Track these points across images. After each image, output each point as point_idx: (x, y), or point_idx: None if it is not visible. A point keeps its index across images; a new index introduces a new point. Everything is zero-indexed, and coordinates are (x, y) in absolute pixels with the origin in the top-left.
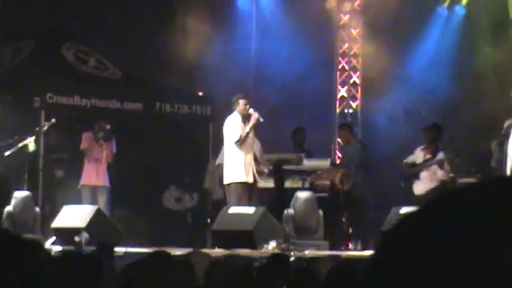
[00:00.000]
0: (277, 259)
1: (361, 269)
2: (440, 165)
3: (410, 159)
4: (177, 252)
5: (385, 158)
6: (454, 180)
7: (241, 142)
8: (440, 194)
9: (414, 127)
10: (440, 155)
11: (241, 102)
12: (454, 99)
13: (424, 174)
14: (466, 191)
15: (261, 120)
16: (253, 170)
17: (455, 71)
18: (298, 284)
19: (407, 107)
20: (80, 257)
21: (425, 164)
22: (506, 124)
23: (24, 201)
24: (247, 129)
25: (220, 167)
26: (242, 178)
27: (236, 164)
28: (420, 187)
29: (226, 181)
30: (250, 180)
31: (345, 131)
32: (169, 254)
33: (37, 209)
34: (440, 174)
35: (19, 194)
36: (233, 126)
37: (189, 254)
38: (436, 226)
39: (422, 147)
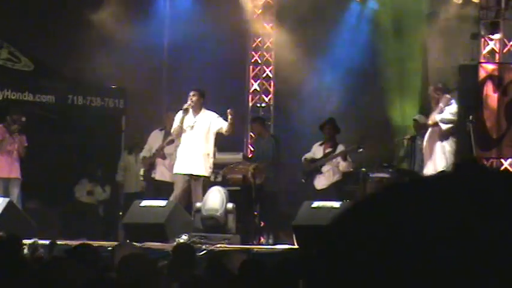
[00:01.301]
0: (182, 250)
1: (272, 263)
2: (343, 157)
3: (309, 155)
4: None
5: (297, 153)
6: (355, 172)
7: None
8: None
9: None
10: (341, 147)
11: None
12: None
13: (326, 168)
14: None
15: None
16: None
17: (367, 66)
18: (209, 277)
19: (318, 103)
20: None
21: (327, 158)
22: (416, 119)
23: None
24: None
25: (146, 160)
26: None
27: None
28: (323, 182)
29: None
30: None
31: (257, 124)
32: (94, 246)
33: None
34: (343, 165)
35: None
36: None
37: (116, 246)
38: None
39: (320, 142)
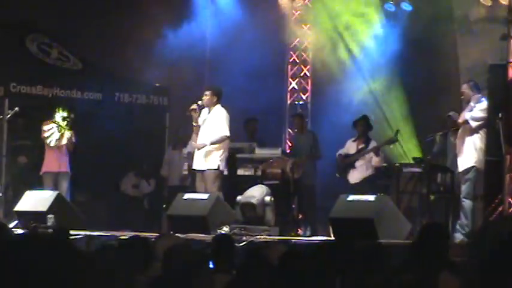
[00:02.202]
0: (222, 240)
1: (309, 254)
2: (376, 152)
3: (343, 151)
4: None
5: (332, 149)
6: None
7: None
8: None
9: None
10: (374, 143)
11: None
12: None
13: (359, 163)
14: None
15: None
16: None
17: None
18: (249, 267)
19: (354, 102)
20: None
21: (360, 153)
22: (450, 115)
23: None
24: None
25: (190, 155)
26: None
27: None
28: (356, 176)
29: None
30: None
31: (298, 120)
32: (144, 237)
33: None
34: (375, 160)
35: None
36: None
37: (160, 237)
38: None
39: (353, 139)
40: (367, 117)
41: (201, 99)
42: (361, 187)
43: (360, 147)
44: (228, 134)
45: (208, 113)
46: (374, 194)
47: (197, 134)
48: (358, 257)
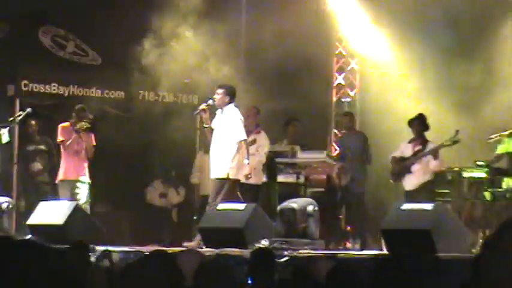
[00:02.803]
0: (262, 255)
1: (360, 270)
2: (434, 155)
3: (397, 154)
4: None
5: (384, 152)
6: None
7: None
8: None
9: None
10: (432, 145)
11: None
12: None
13: (416, 167)
14: None
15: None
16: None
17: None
18: (292, 286)
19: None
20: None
21: (417, 156)
22: None
23: None
24: None
25: None
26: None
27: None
28: (412, 181)
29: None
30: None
31: (348, 119)
32: (168, 253)
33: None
34: (434, 164)
35: None
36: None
37: (181, 253)
38: None
39: (408, 140)
40: (423, 115)
41: (212, 98)
42: (418, 194)
43: (417, 149)
44: (243, 138)
45: (221, 113)
46: (431, 201)
47: (210, 136)
48: (414, 273)
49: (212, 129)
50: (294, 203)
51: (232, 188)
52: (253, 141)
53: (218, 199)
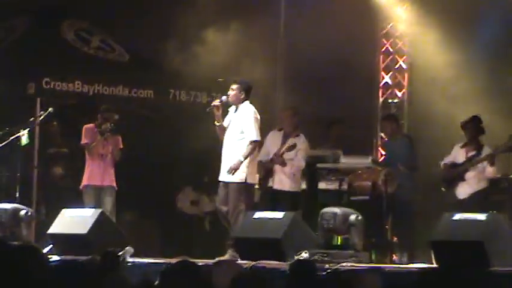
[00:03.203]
0: (301, 268)
1: (408, 285)
2: (491, 161)
3: (449, 159)
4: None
5: (434, 157)
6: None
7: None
8: None
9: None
10: (487, 150)
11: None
12: None
13: (470, 175)
14: None
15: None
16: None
17: None
18: None
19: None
20: (81, 266)
21: (471, 162)
22: None
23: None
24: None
25: (261, 164)
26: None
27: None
28: (466, 190)
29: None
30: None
31: (390, 123)
32: (196, 264)
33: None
34: (490, 171)
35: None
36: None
37: (214, 264)
38: None
39: (461, 144)
40: (478, 117)
41: (227, 94)
42: (471, 203)
43: (470, 154)
44: (256, 138)
45: (235, 111)
46: (485, 211)
47: (222, 135)
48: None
49: (225, 128)
50: (337, 209)
51: (251, 194)
52: (293, 146)
53: (233, 204)
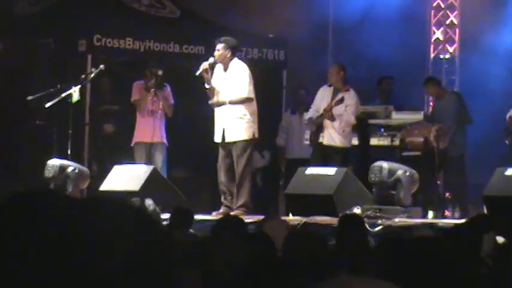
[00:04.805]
0: (350, 221)
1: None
2: None
3: None
4: (248, 219)
5: (487, 111)
6: None
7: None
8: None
9: None
10: None
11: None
12: None
13: None
14: None
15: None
16: None
17: None
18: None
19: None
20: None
21: None
22: None
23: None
24: None
25: (312, 121)
26: None
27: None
28: None
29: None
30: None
31: (431, 86)
32: (242, 220)
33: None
34: None
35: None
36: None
37: (263, 221)
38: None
39: None
40: None
41: (213, 55)
42: None
43: None
44: (249, 95)
45: (225, 70)
46: None
47: (213, 96)
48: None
49: (215, 89)
50: (385, 163)
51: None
52: (341, 100)
53: (248, 163)
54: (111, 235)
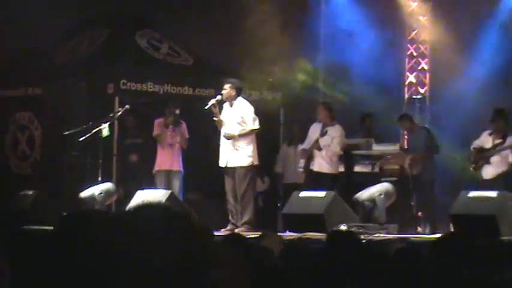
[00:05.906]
0: (343, 236)
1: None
2: None
3: (477, 144)
4: (251, 235)
5: (454, 145)
6: None
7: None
8: None
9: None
10: (511, 139)
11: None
12: None
13: (495, 159)
14: None
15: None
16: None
17: None
18: (370, 265)
19: (477, 94)
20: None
21: (497, 149)
22: None
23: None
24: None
25: (305, 152)
26: None
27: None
28: (490, 171)
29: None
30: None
31: (404, 122)
32: (244, 236)
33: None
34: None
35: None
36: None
37: (261, 237)
38: None
39: (489, 132)
40: (504, 113)
41: (221, 94)
42: (494, 184)
43: (497, 142)
44: (256, 127)
45: (231, 106)
46: (508, 191)
47: (220, 128)
48: (478, 253)
49: (222, 122)
50: (363, 193)
51: (255, 174)
52: (325, 133)
53: (249, 186)
54: (153, 239)
